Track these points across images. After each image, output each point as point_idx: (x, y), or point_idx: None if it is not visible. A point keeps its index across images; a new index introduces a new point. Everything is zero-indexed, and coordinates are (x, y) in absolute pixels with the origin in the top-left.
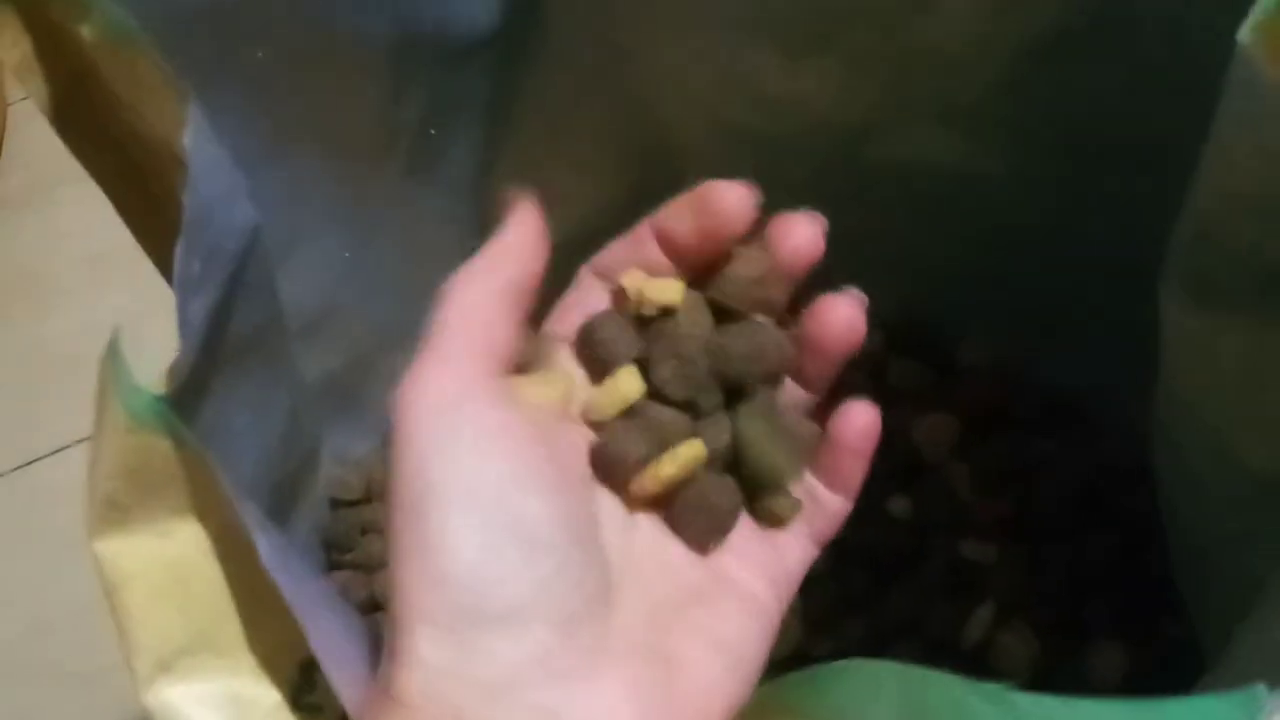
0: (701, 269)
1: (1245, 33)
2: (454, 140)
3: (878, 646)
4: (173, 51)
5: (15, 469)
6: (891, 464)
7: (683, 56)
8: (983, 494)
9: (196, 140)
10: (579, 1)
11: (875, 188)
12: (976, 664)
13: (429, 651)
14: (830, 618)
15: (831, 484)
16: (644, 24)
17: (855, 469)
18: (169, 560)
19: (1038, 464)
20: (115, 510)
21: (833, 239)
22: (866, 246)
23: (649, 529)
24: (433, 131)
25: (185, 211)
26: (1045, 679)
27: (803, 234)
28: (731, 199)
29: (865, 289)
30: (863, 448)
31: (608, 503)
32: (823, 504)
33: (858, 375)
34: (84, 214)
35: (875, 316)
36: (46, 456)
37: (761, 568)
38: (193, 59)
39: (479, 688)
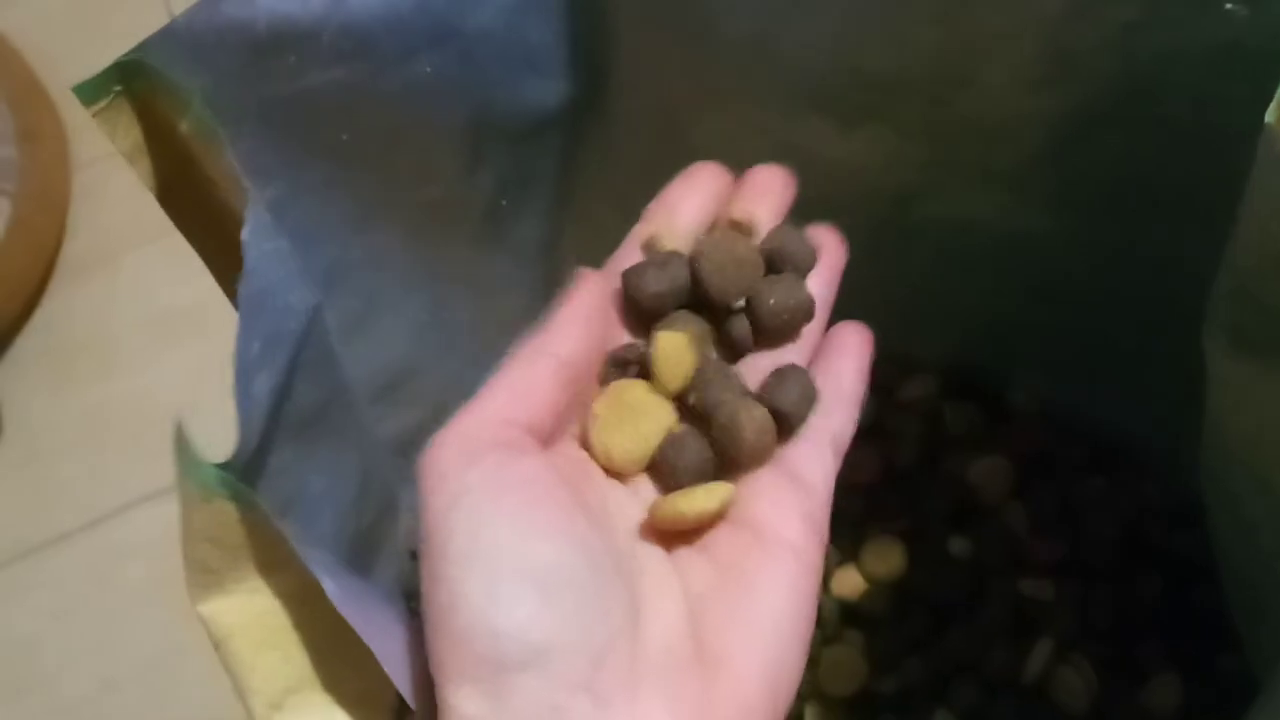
0: None
1: (1271, 112)
2: (524, 209)
3: (939, 683)
4: (267, 133)
5: (81, 528)
6: (950, 505)
7: (740, 129)
8: (1037, 534)
9: (254, 235)
10: (640, 82)
11: (926, 244)
12: (1036, 698)
13: (466, 707)
14: (893, 656)
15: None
16: (702, 100)
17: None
18: (263, 612)
19: (1087, 504)
20: (208, 574)
21: (886, 292)
22: (919, 298)
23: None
24: (504, 202)
25: (240, 300)
26: (1104, 712)
27: (773, 176)
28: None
29: (918, 338)
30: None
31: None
32: (832, 399)
33: (914, 420)
34: (147, 277)
35: (929, 363)
36: (112, 516)
37: (791, 505)
38: (285, 140)
39: None
